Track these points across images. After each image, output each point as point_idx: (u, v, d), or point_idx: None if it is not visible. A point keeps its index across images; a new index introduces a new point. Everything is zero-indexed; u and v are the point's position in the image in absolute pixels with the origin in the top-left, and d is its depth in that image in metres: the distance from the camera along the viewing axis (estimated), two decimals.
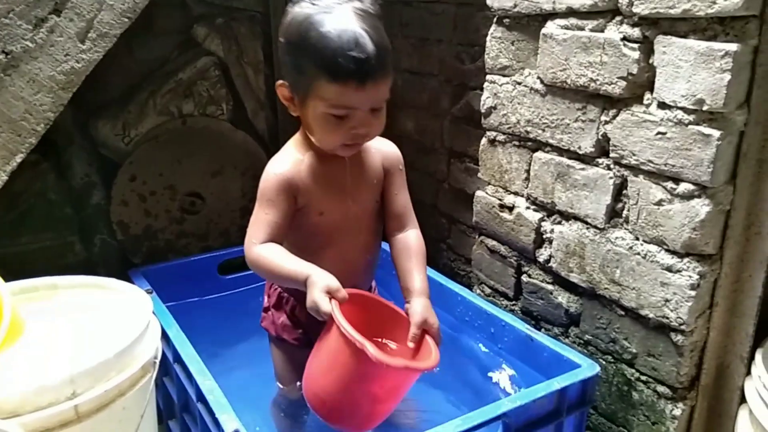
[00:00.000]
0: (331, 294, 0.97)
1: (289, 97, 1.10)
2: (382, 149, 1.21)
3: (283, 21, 1.07)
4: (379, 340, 1.08)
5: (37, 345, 1.00)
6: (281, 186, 1.11)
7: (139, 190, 1.87)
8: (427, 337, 1.05)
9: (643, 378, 1.16)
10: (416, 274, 1.15)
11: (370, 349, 0.91)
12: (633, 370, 1.18)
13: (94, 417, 0.91)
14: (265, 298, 1.30)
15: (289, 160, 1.14)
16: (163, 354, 1.20)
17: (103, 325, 1.07)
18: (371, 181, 1.19)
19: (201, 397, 1.11)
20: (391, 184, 1.21)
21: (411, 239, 1.20)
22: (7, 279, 1.05)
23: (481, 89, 1.42)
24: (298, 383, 1.24)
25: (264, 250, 1.08)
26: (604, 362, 1.23)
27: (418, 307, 1.07)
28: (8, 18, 1.18)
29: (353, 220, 1.18)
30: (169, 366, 1.28)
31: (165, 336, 1.25)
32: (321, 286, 0.97)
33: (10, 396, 0.85)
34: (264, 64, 2.07)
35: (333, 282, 0.98)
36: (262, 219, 1.11)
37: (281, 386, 1.29)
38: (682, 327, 1.06)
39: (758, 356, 1.05)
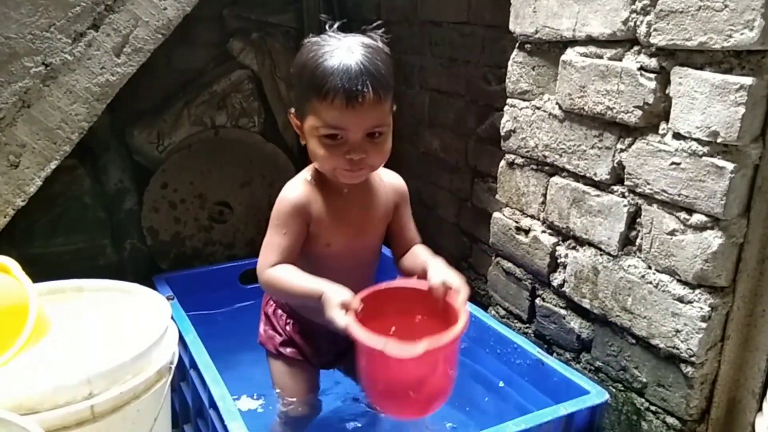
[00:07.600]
0: (345, 307, 0.99)
1: (298, 124, 1.13)
2: (390, 182, 1.23)
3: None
4: (417, 317, 1.07)
5: (59, 345, 1.05)
6: (295, 211, 1.14)
7: (170, 198, 1.93)
8: (453, 300, 1.03)
9: (653, 408, 1.15)
10: (425, 255, 1.17)
11: (392, 349, 0.91)
12: (643, 400, 1.17)
13: (109, 417, 0.95)
14: (262, 316, 1.32)
15: (303, 187, 1.16)
16: (181, 359, 1.24)
17: (123, 328, 1.12)
18: (379, 216, 1.22)
19: (213, 404, 1.15)
20: (400, 217, 1.24)
21: (414, 249, 1.23)
22: (39, 279, 1.10)
23: None
24: (300, 398, 1.27)
25: (277, 272, 1.12)
26: (614, 390, 1.22)
27: (434, 270, 1.07)
28: (49, 32, 1.24)
29: (357, 254, 1.21)
30: (185, 371, 1.32)
31: (183, 342, 1.29)
32: (335, 302, 1.00)
33: (30, 393, 0.89)
34: None
35: (346, 296, 1.00)
36: (275, 242, 1.14)
37: (282, 398, 1.29)
38: (693, 358, 1.05)
39: None
